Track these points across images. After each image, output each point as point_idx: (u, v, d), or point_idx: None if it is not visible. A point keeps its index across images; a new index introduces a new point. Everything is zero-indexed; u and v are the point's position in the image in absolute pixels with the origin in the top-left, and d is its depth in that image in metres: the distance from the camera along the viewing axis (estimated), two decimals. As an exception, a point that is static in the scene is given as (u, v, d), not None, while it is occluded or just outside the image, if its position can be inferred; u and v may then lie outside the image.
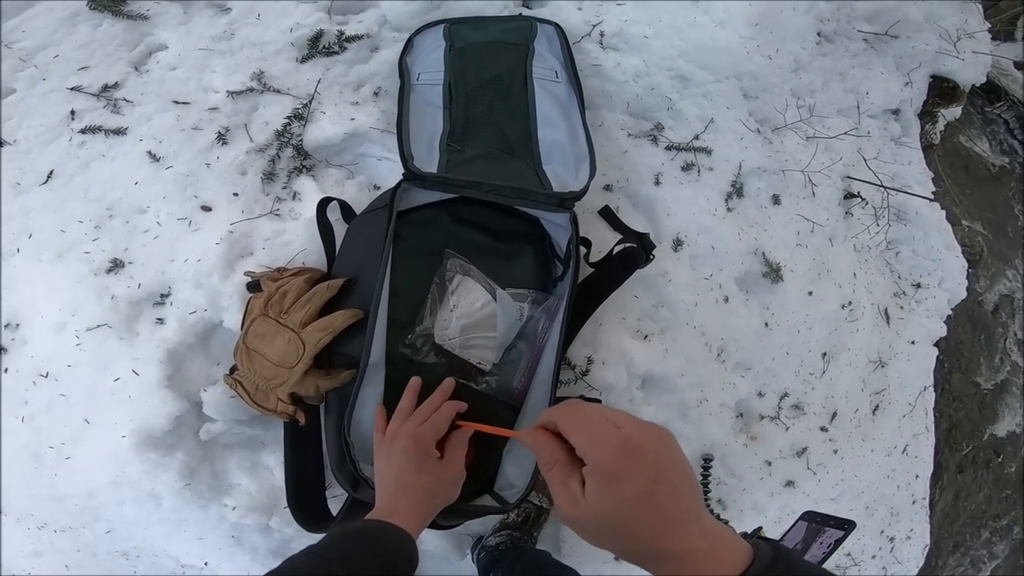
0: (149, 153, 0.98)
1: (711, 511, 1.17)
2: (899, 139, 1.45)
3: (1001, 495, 2.18)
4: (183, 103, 1.04)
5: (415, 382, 0.77)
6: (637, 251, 0.94)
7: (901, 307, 1.49)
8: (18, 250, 0.94)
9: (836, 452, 1.45)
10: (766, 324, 1.21)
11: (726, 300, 1.15)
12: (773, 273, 1.19)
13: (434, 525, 0.81)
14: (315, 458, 0.89)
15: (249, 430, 0.94)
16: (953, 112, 1.62)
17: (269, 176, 0.98)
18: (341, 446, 0.77)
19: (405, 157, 0.88)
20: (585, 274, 0.97)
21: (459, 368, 0.86)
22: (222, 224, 0.93)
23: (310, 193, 0.97)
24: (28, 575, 0.98)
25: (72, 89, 1.05)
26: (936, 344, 1.61)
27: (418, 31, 1.12)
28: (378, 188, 1.02)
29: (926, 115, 1.51)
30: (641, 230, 1.03)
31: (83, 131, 1.00)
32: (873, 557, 1.70)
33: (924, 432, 1.69)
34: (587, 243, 0.99)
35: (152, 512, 0.92)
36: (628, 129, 1.15)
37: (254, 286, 0.88)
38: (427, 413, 0.71)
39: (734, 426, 1.26)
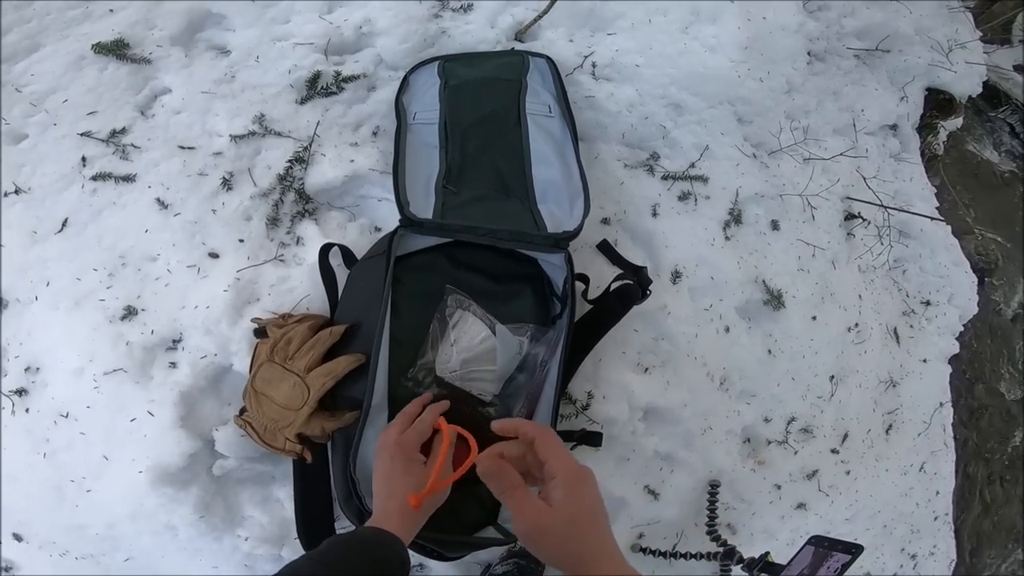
0: (158, 200, 1.05)
1: (719, 536, 1.22)
2: (899, 155, 1.49)
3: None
4: (188, 148, 1.10)
5: (427, 396, 0.83)
6: (633, 288, 0.99)
7: (911, 326, 1.52)
8: (36, 298, 1.02)
9: (849, 473, 1.49)
10: (769, 351, 1.25)
11: (727, 330, 1.19)
12: (775, 300, 1.24)
13: (440, 556, 0.87)
14: (323, 493, 0.96)
15: (260, 466, 1.02)
16: (953, 123, 1.65)
17: (273, 221, 1.05)
18: (347, 483, 0.83)
19: (401, 203, 0.94)
20: (585, 310, 1.02)
21: (461, 399, 0.92)
22: (229, 271, 1.00)
23: (313, 238, 1.04)
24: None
25: (82, 135, 1.11)
26: (955, 356, 1.64)
27: (413, 69, 1.19)
28: (379, 230, 1.09)
29: (925, 128, 1.54)
30: (640, 263, 1.08)
31: (94, 178, 1.08)
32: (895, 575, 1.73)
33: (943, 449, 1.72)
34: (585, 279, 1.04)
35: (169, 542, 1.00)
36: (624, 160, 1.21)
37: (261, 332, 0.95)
38: (409, 420, 0.77)
39: (741, 452, 1.31)
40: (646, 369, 1.14)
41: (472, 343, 0.96)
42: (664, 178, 1.21)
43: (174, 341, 0.98)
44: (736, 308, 1.21)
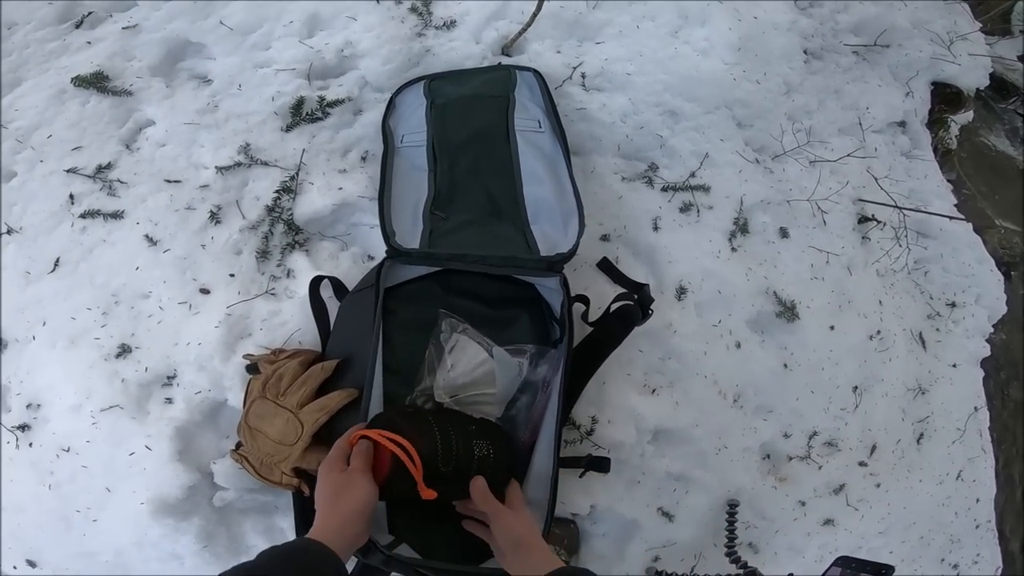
0: (147, 237, 1.10)
1: (738, 558, 1.22)
2: (910, 152, 1.47)
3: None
4: (175, 181, 1.14)
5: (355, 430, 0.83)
6: (634, 308, 0.98)
7: (937, 329, 1.50)
8: (34, 337, 1.07)
9: (879, 486, 1.48)
10: (785, 365, 1.24)
11: (738, 345, 1.19)
12: (788, 312, 1.23)
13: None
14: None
15: (261, 496, 1.05)
16: (964, 117, 1.64)
17: (263, 254, 1.09)
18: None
19: (387, 233, 0.96)
20: (585, 332, 1.03)
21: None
22: (220, 307, 1.04)
23: (304, 270, 1.07)
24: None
25: (69, 171, 1.16)
26: (988, 358, 1.62)
27: (399, 90, 1.21)
28: (372, 258, 1.11)
29: (935, 123, 1.53)
30: (642, 280, 1.09)
31: (83, 215, 1.12)
32: (937, 586, 1.71)
33: (981, 455, 1.70)
34: (586, 300, 1.04)
35: (176, 569, 1.04)
36: (621, 172, 1.22)
37: (253, 368, 0.98)
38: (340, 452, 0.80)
39: (760, 469, 1.30)
40: (653, 390, 1.14)
41: (469, 367, 0.97)
42: (664, 189, 1.22)
43: (168, 378, 1.02)
44: (747, 322, 1.21)
